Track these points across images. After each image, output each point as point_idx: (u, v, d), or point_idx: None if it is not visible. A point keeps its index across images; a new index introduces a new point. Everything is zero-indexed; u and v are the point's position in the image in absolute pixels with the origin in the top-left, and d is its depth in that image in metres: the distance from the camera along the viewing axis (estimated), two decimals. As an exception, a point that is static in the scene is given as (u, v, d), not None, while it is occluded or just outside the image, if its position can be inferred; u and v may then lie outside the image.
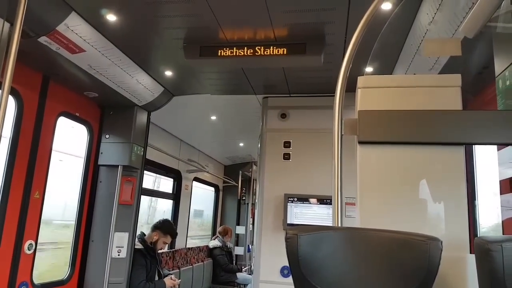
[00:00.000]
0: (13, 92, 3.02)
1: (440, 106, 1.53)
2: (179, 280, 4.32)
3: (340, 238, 1.28)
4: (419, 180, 1.52)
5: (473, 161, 3.04)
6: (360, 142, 1.56)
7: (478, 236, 1.25)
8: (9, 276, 3.06)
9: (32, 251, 3.26)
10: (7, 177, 3.05)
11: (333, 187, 1.54)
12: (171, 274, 4.38)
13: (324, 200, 3.92)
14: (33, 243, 3.27)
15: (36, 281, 3.35)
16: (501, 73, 1.78)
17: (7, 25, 2.28)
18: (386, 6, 2.28)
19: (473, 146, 2.98)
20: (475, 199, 3.00)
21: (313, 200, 3.96)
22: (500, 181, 2.33)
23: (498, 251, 1.10)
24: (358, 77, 1.63)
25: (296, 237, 1.25)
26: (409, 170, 1.53)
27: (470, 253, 1.43)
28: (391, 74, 3.17)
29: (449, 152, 1.51)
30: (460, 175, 1.50)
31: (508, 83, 1.72)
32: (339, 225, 1.55)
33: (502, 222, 2.33)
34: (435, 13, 2.15)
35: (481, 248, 1.16)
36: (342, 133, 1.57)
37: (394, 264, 1.22)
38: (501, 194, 2.34)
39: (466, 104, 2.91)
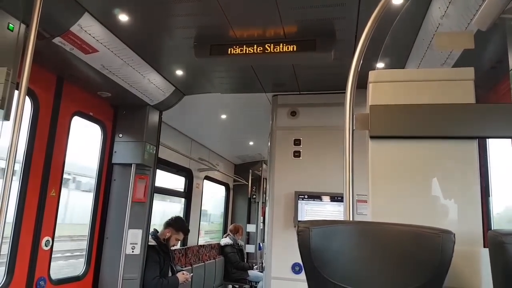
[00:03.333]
0: (29, 92, 3.09)
1: (452, 100, 1.52)
2: (191, 274, 4.37)
3: (351, 232, 1.29)
4: (432, 174, 1.51)
5: (487, 155, 3.00)
6: (372, 137, 1.56)
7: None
8: (28, 271, 3.14)
9: (49, 247, 3.34)
10: (24, 175, 3.12)
11: (344, 182, 1.55)
12: (184, 270, 4.43)
13: (335, 197, 3.91)
14: (50, 239, 3.35)
15: (54, 276, 3.42)
16: (514, 66, 1.76)
17: (23, 26, 2.33)
18: (397, 1, 2.27)
19: (487, 140, 2.94)
20: (489, 194, 2.97)
21: (323, 198, 3.96)
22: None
23: None
24: (370, 72, 1.62)
25: (308, 230, 1.26)
26: (422, 164, 1.52)
27: (484, 247, 1.43)
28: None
29: (462, 146, 1.50)
30: (473, 169, 1.49)
31: (522, 76, 1.70)
32: (351, 219, 1.55)
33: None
34: (447, 7, 2.13)
35: (495, 241, 1.16)
36: (354, 128, 1.57)
37: (406, 257, 1.22)
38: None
39: (480, 99, 2.89)
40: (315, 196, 3.96)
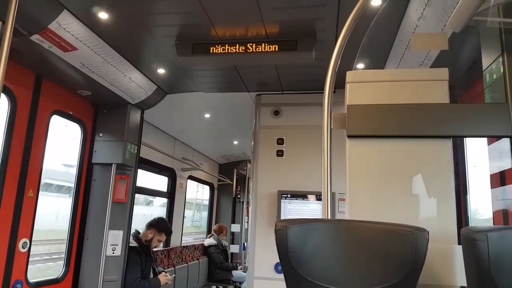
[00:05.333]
0: (5, 90, 3.01)
1: (427, 100, 1.55)
2: (173, 276, 4.34)
3: (329, 230, 1.30)
4: (408, 173, 1.54)
5: (464, 155, 3.07)
6: (349, 136, 1.58)
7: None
8: (4, 274, 3.06)
9: (26, 249, 3.25)
10: (0, 175, 3.04)
11: (322, 180, 1.56)
12: (165, 271, 4.40)
13: (317, 196, 3.95)
14: (27, 241, 3.27)
15: (31, 279, 3.35)
16: (488, 66, 1.81)
17: (-2, 23, 2.27)
18: (376, 2, 2.31)
19: (464, 140, 3.01)
20: (466, 193, 3.03)
21: (306, 196, 3.98)
22: (491, 175, 2.37)
23: (484, 240, 1.13)
24: (347, 72, 1.64)
25: (285, 229, 1.27)
26: (398, 163, 1.55)
27: (459, 244, 1.46)
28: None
29: (436, 145, 1.53)
30: (447, 168, 1.52)
31: (494, 76, 1.75)
32: (329, 217, 1.57)
33: (493, 214, 2.37)
34: (423, 9, 2.17)
35: (467, 238, 1.18)
36: (331, 127, 1.59)
37: (381, 254, 1.24)
38: (491, 187, 2.38)
39: (458, 99, 2.96)
40: (298, 195, 3.98)
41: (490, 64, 1.75)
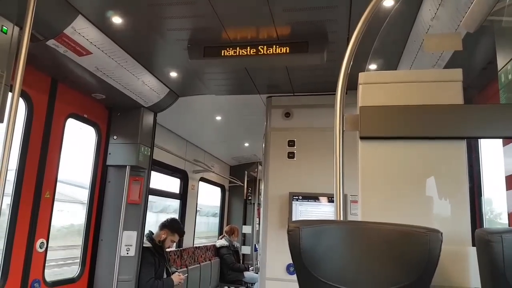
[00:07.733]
0: (23, 94, 3.08)
1: (441, 101, 1.54)
2: (186, 275, 4.37)
3: (341, 231, 1.30)
4: (421, 174, 1.53)
5: (478, 156, 3.03)
6: (362, 138, 1.58)
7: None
8: (22, 274, 3.13)
9: (43, 249, 3.33)
10: (18, 177, 3.12)
11: (334, 182, 1.56)
12: (178, 272, 4.44)
13: (329, 198, 3.94)
14: (45, 241, 3.35)
15: (48, 278, 3.42)
16: (503, 67, 1.79)
17: (16, 29, 2.34)
18: (388, 3, 2.30)
19: (479, 141, 2.98)
20: (481, 194, 3.00)
21: (317, 198, 3.98)
22: (506, 177, 2.34)
23: (498, 242, 1.12)
24: (359, 73, 1.64)
25: (298, 230, 1.28)
26: (411, 164, 1.54)
27: (473, 246, 1.45)
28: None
29: (450, 146, 1.52)
30: (461, 169, 1.51)
31: (510, 77, 1.73)
32: (341, 219, 1.57)
33: (508, 214, 2.34)
34: (437, 9, 2.16)
35: (482, 239, 1.18)
36: (344, 129, 1.59)
37: (394, 256, 1.24)
38: (507, 189, 2.35)
39: (471, 99, 2.92)
40: (309, 197, 3.97)
41: (506, 64, 1.73)
